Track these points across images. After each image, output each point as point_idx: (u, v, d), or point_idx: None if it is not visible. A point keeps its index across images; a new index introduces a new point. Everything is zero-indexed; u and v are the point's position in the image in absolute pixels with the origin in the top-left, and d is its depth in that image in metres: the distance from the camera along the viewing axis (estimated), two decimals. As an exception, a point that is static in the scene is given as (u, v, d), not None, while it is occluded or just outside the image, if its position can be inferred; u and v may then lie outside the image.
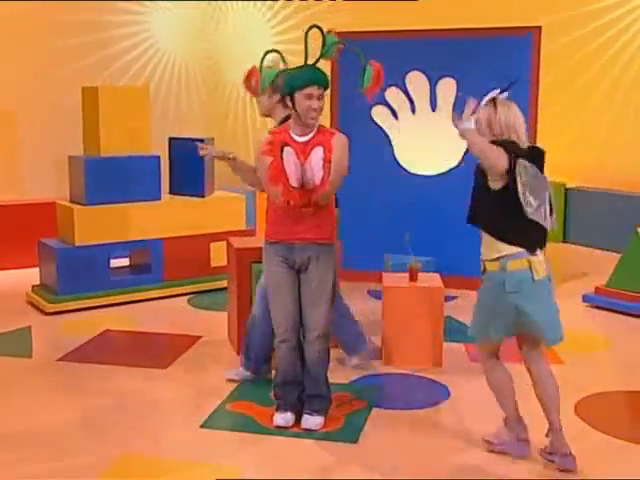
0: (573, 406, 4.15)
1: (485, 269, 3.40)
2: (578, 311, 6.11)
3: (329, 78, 3.73)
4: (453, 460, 3.57)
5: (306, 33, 3.71)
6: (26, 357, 4.96)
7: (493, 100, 3.40)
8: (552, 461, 3.44)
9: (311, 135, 3.68)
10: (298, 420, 3.88)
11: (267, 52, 3.91)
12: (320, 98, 3.65)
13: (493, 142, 3.26)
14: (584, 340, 5.35)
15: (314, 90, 3.62)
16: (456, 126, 3.24)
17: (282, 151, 3.61)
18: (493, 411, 4.04)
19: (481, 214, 3.37)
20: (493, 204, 3.32)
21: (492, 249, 3.35)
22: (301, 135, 3.69)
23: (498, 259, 3.32)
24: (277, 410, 3.92)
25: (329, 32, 3.82)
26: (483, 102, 3.38)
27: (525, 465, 3.49)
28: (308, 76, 3.64)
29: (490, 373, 3.57)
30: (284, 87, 3.71)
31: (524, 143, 3.34)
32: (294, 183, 3.60)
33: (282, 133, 3.74)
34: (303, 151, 3.63)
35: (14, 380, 4.57)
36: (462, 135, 3.23)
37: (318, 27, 3.75)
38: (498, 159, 3.19)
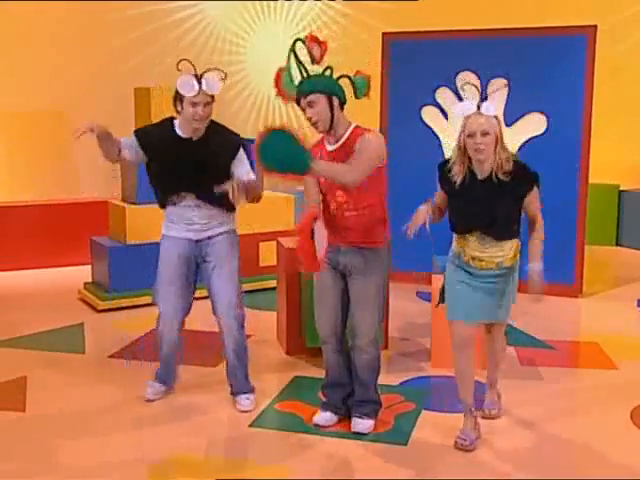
0: (629, 413, 4.05)
1: (502, 265, 3.53)
2: (633, 316, 5.99)
3: (322, 81, 3.54)
4: (499, 464, 3.52)
5: (293, 44, 3.58)
6: (79, 353, 5.04)
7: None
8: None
9: (342, 141, 3.60)
10: (343, 421, 3.87)
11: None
12: (311, 105, 3.53)
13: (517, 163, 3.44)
14: (639, 345, 5.24)
15: (303, 102, 3.55)
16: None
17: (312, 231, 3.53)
18: (543, 415, 3.98)
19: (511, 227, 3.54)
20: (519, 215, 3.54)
21: (512, 246, 3.54)
22: (332, 142, 3.64)
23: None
24: (320, 409, 3.94)
25: (357, 75, 3.66)
26: (487, 113, 3.41)
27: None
28: (297, 91, 3.57)
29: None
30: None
31: None
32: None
33: (318, 144, 3.71)
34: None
35: (68, 375, 4.65)
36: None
37: (345, 76, 3.62)
38: None
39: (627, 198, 8.81)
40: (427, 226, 3.40)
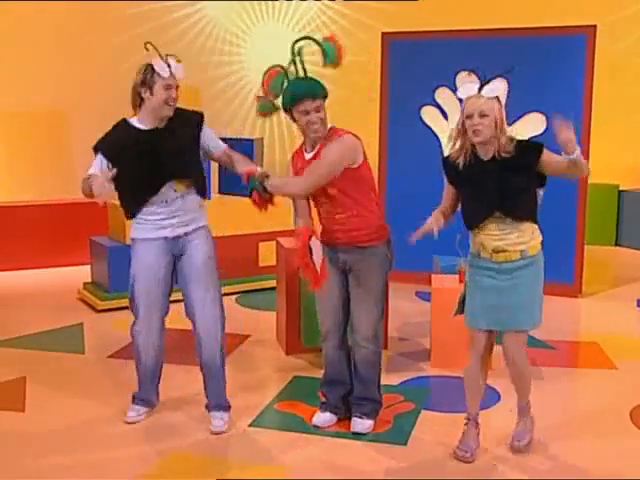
0: (628, 413, 4.06)
1: (527, 254, 3.40)
2: (632, 316, 5.99)
3: (324, 85, 3.54)
4: (498, 463, 3.52)
5: (294, 44, 3.57)
6: (79, 353, 5.04)
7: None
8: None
9: (319, 147, 3.59)
10: (342, 421, 3.87)
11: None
12: (318, 110, 3.50)
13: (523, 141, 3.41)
14: (638, 346, 5.24)
15: (308, 105, 3.49)
16: (572, 151, 3.14)
17: (310, 250, 3.56)
18: (544, 417, 3.98)
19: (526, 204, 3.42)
20: (534, 193, 3.44)
21: (533, 231, 3.44)
22: (310, 149, 3.63)
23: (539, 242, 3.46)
24: (319, 409, 3.93)
25: (326, 40, 3.62)
26: (488, 95, 3.31)
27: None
28: (299, 91, 3.51)
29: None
30: (282, 104, 3.60)
31: None
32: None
33: (297, 154, 3.71)
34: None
35: (68, 375, 4.65)
36: (577, 160, 3.16)
37: (311, 38, 3.59)
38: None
39: (627, 198, 8.80)
40: (435, 232, 3.34)
